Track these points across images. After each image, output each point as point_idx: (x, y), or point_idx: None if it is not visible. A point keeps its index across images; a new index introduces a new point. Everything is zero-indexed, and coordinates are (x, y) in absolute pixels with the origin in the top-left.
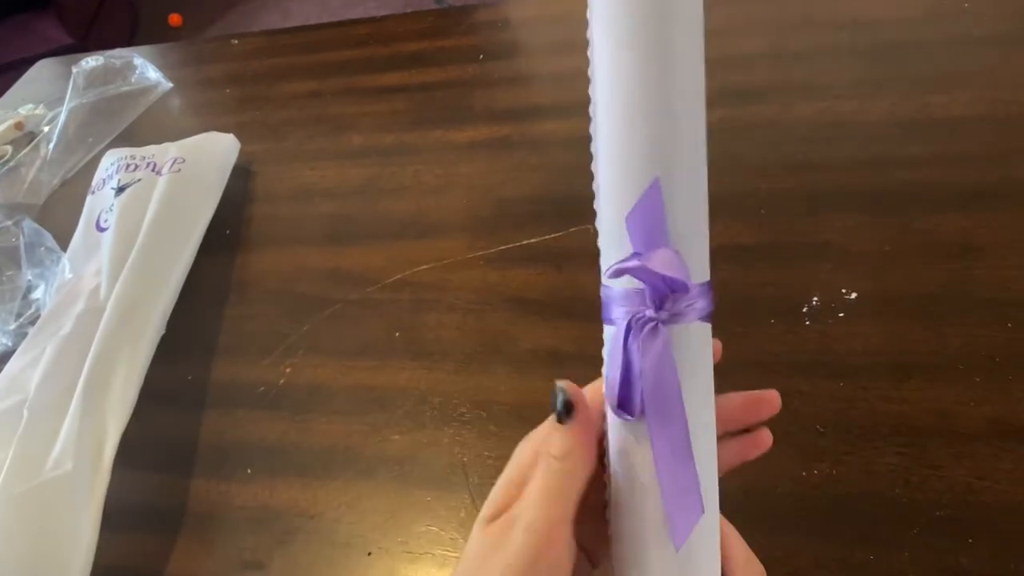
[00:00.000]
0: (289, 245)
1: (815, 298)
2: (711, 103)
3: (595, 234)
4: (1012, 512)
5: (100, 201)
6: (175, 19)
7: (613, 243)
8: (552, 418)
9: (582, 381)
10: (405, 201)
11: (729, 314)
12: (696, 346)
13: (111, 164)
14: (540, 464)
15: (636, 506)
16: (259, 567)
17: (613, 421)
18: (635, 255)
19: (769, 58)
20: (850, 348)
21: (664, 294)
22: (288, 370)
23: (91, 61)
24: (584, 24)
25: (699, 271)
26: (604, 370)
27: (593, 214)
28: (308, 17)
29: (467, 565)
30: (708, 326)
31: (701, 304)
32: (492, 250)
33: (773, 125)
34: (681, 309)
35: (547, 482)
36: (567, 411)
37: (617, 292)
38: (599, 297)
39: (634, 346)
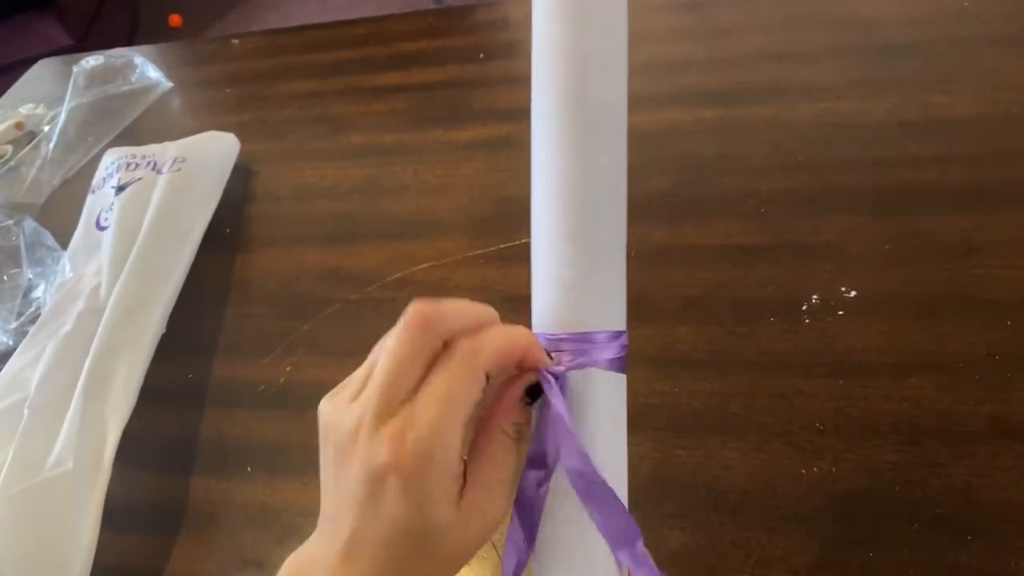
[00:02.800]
0: (289, 244)
1: (815, 296)
2: (712, 103)
3: None
4: (1011, 510)
5: (100, 200)
6: (175, 20)
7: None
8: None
9: None
10: (405, 200)
11: (729, 313)
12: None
13: (111, 163)
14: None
15: None
16: (259, 566)
17: None
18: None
19: (769, 58)
20: (850, 346)
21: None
22: (288, 369)
23: (91, 61)
24: None
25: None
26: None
27: None
28: (308, 18)
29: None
30: (610, 374)
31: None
32: (492, 249)
33: (773, 125)
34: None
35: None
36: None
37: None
38: None
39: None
